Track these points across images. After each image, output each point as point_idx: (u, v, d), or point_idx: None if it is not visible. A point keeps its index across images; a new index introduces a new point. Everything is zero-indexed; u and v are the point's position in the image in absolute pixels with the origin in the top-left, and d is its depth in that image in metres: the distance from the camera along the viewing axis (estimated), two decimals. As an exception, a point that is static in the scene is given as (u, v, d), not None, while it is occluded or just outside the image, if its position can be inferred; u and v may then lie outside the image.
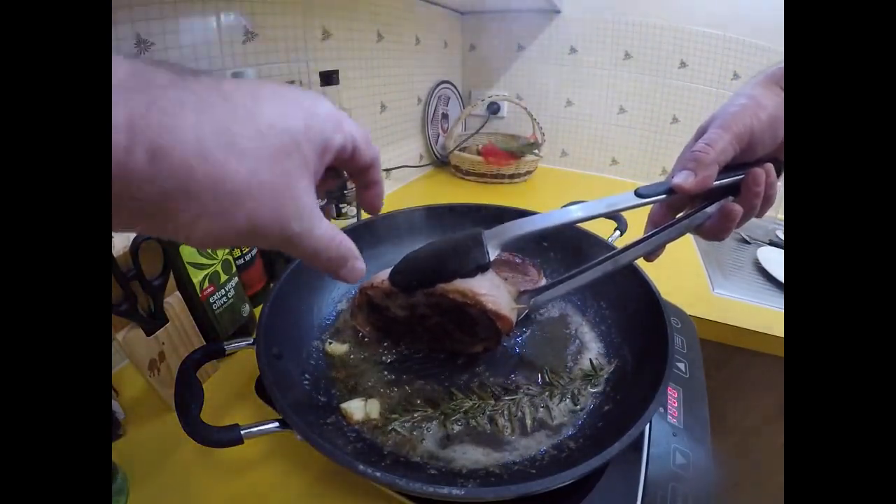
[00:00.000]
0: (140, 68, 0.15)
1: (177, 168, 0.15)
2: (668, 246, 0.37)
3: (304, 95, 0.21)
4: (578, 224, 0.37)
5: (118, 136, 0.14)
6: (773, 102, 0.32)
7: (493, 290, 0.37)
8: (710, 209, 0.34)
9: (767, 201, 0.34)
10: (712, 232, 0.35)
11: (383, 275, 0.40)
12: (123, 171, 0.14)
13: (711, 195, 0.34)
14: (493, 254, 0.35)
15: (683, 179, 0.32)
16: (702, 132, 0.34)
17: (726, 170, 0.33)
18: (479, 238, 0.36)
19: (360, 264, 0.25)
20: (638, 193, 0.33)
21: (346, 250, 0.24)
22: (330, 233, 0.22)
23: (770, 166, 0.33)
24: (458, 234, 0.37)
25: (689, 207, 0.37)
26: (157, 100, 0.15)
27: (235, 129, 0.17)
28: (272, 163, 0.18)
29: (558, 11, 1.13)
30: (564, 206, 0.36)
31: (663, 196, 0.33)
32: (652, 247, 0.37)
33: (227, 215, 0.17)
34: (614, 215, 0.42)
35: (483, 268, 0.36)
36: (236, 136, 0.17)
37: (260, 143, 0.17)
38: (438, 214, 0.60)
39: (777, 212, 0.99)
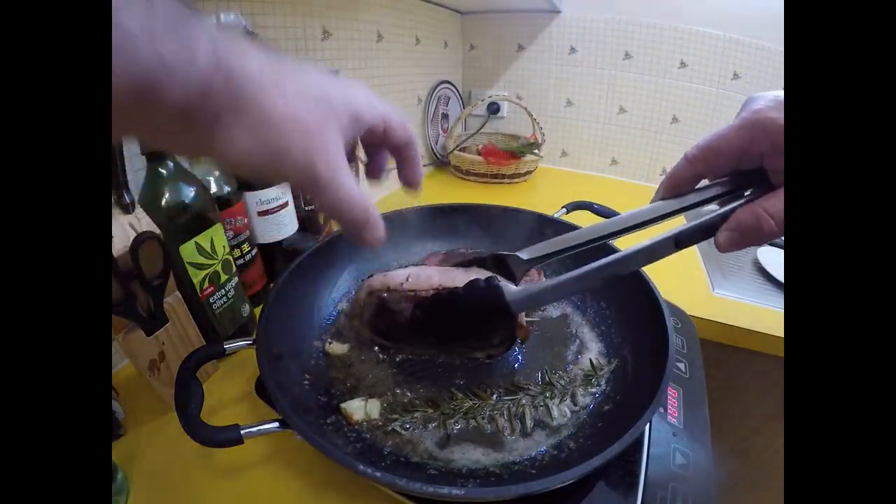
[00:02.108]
0: (230, 34, 0.19)
1: (238, 89, 0.19)
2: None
3: (345, 80, 0.25)
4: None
5: (209, 57, 0.17)
6: None
7: None
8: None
9: None
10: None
11: (395, 276, 0.39)
12: (207, 85, 0.18)
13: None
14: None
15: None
16: None
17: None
18: (499, 293, 0.34)
19: (381, 232, 0.26)
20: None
21: (371, 214, 0.25)
22: (357, 191, 0.24)
23: None
24: (475, 287, 0.36)
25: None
26: (238, 44, 0.19)
27: (286, 80, 0.21)
28: (309, 109, 0.22)
29: (558, 11, 1.13)
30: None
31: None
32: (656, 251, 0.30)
33: (262, 136, 0.20)
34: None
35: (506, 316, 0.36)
36: (287, 84, 0.21)
37: (302, 93, 0.22)
38: (437, 214, 0.60)
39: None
